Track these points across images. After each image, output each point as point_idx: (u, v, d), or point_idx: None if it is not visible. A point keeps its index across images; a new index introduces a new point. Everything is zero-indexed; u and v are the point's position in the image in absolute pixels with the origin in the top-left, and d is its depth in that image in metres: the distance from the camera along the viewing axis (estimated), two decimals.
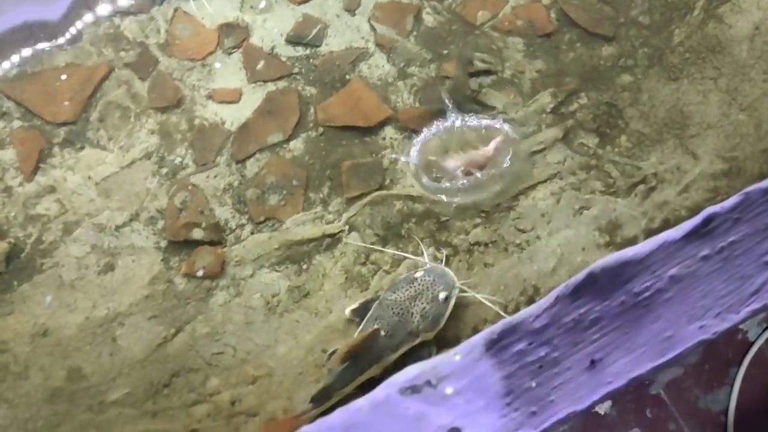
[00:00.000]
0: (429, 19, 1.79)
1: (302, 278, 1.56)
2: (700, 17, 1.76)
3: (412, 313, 1.41)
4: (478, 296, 1.46)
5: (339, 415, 1.18)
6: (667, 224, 1.58)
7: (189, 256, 1.58)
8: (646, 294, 1.26)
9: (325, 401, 1.40)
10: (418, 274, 1.45)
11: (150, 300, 1.54)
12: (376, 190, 1.63)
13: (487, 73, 1.73)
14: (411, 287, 1.43)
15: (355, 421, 1.16)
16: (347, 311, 1.51)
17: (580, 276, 1.23)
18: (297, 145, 1.67)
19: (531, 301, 1.50)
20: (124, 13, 1.77)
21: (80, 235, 1.59)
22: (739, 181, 1.60)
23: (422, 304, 1.41)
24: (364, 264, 1.57)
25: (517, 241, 1.59)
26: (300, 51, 1.75)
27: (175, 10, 1.77)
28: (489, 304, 1.47)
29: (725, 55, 1.72)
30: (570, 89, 1.71)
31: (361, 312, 1.49)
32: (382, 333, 1.40)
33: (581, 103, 1.70)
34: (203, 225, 1.60)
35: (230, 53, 1.74)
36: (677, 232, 1.29)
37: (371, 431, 1.15)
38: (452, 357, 1.20)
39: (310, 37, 1.75)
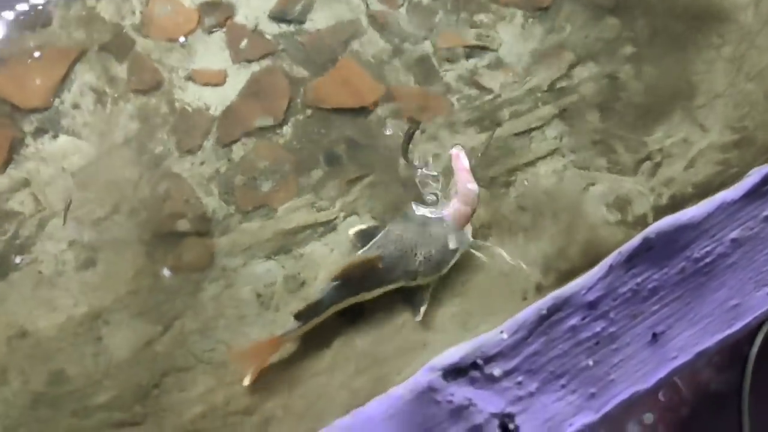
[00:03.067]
0: None
1: (297, 267, 1.47)
2: None
3: (416, 254, 1.37)
4: (498, 250, 1.43)
5: (378, 404, 1.08)
6: (674, 200, 1.52)
7: (175, 249, 1.48)
8: (707, 260, 1.17)
9: (310, 319, 1.35)
10: (435, 217, 1.41)
11: (135, 296, 1.45)
12: (374, 171, 1.54)
13: (483, 49, 1.66)
14: (424, 228, 1.39)
15: (396, 411, 1.06)
16: (351, 232, 1.45)
17: (635, 242, 1.14)
18: (286, 128, 1.59)
19: (539, 287, 1.42)
20: None
21: (57, 229, 1.49)
22: (750, 153, 1.53)
23: (429, 247, 1.37)
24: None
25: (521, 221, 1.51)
26: (284, 27, 1.66)
27: None
28: (510, 261, 1.42)
29: (730, 22, 1.65)
30: (570, 62, 1.64)
31: (365, 236, 1.43)
32: (380, 264, 1.34)
33: (582, 77, 1.63)
34: (189, 215, 1.51)
35: (211, 32, 1.65)
36: (735, 192, 1.21)
37: (414, 421, 1.05)
38: (498, 335, 1.10)
39: (296, 12, 1.66)
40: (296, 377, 1.37)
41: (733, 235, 1.19)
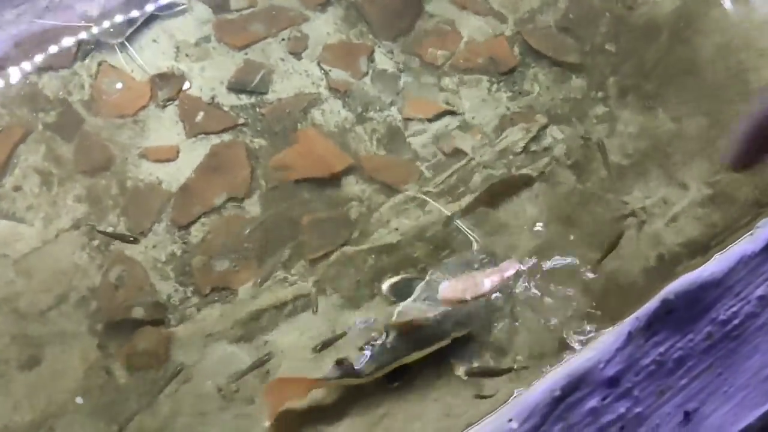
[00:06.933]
0: (383, 59, 1.65)
1: (261, 356, 1.35)
2: (667, 42, 1.67)
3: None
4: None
5: None
6: (662, 261, 1.44)
7: (129, 340, 1.36)
8: (735, 321, 1.05)
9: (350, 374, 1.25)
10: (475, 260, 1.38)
11: (86, 395, 1.31)
12: (342, 246, 1.44)
13: (451, 114, 1.60)
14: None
15: None
16: (385, 286, 1.38)
17: (653, 304, 1.02)
18: (249, 203, 1.49)
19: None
20: (43, 69, 1.58)
21: None
22: (734, 208, 1.48)
23: None
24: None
25: None
26: (244, 99, 1.59)
27: (100, 63, 1.60)
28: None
29: (699, 76, 1.62)
30: (541, 125, 1.59)
31: (399, 290, 1.36)
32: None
33: (555, 138, 1.58)
34: (143, 303, 1.39)
35: (165, 106, 1.57)
36: (754, 245, 1.10)
37: None
38: (505, 424, 0.98)
39: (254, 83, 1.59)
40: None
41: (760, 291, 1.07)
